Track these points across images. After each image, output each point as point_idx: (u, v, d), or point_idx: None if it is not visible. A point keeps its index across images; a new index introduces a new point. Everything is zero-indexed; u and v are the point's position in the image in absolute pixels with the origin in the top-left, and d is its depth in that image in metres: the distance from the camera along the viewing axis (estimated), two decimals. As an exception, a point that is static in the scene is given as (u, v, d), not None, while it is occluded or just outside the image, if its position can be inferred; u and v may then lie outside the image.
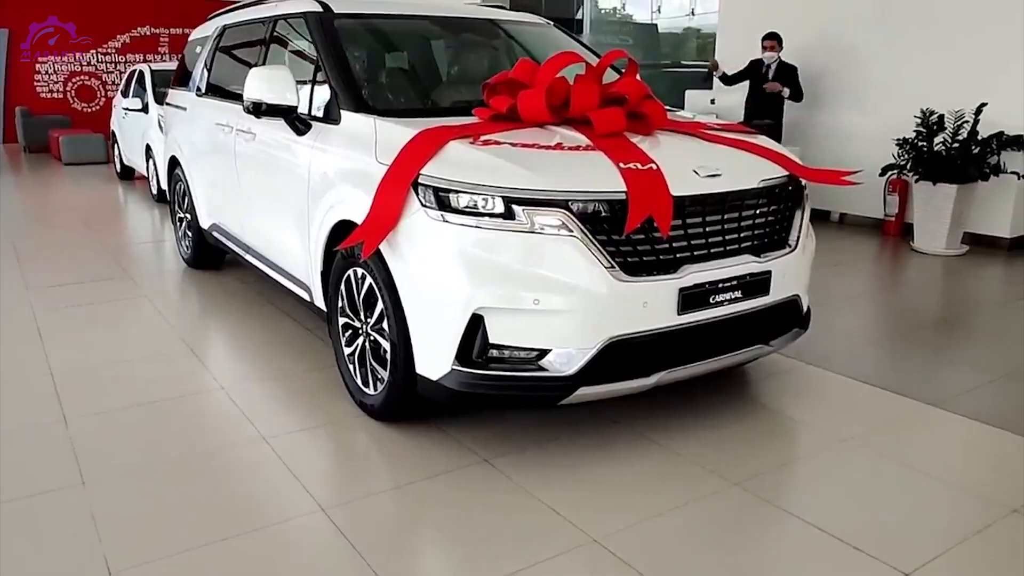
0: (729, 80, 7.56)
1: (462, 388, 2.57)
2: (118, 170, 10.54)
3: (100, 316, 4.42)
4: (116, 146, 10.50)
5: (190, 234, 5.32)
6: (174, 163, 5.44)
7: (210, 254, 5.24)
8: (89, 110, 15.46)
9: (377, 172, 2.77)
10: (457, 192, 2.54)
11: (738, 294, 2.78)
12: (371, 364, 2.97)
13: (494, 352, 2.57)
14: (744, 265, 2.78)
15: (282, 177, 3.59)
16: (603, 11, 14.04)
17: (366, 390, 3.01)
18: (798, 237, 3.05)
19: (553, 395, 2.58)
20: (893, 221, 6.86)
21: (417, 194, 2.62)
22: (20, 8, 14.47)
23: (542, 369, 2.55)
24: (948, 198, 6.00)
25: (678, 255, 2.65)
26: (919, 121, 6.19)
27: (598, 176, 2.58)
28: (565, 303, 2.48)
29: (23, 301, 4.65)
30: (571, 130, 2.94)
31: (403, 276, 2.67)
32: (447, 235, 2.55)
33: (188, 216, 5.30)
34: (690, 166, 2.74)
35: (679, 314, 2.63)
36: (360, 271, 2.93)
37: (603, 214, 2.53)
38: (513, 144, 2.71)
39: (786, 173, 3.01)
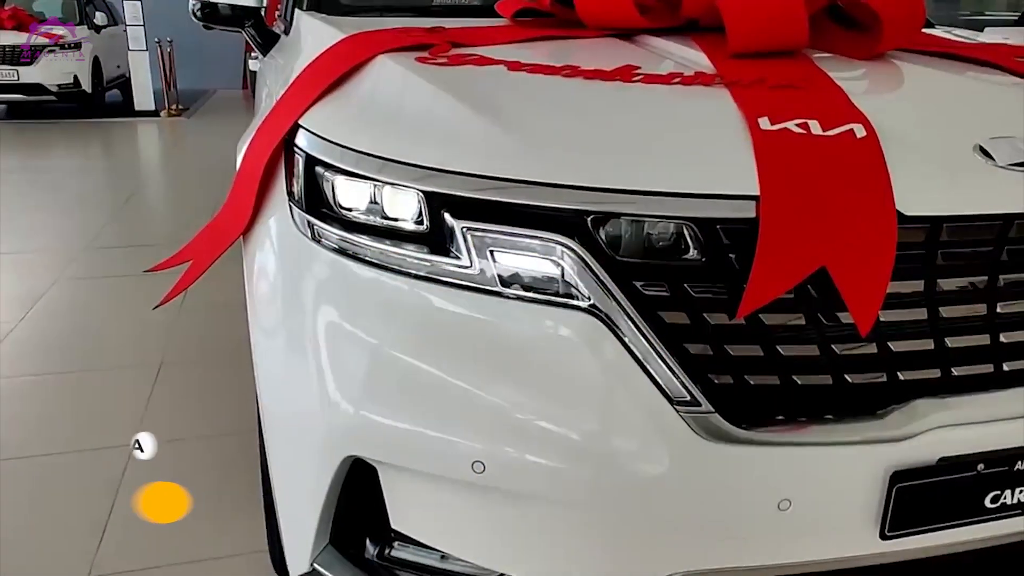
0: None
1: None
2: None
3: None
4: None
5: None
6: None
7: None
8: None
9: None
10: (340, 173, 1.07)
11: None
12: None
13: (403, 551, 1.10)
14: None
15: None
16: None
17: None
18: None
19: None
20: None
21: (288, 170, 1.20)
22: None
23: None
24: None
25: (901, 375, 0.97)
26: None
27: (689, 151, 0.98)
28: (554, 482, 0.94)
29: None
30: (682, 43, 1.33)
31: (258, 349, 1.25)
32: (314, 273, 1.10)
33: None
34: (969, 135, 1.02)
35: (885, 536, 0.97)
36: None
37: (690, 253, 0.93)
38: (511, 66, 1.17)
39: None
